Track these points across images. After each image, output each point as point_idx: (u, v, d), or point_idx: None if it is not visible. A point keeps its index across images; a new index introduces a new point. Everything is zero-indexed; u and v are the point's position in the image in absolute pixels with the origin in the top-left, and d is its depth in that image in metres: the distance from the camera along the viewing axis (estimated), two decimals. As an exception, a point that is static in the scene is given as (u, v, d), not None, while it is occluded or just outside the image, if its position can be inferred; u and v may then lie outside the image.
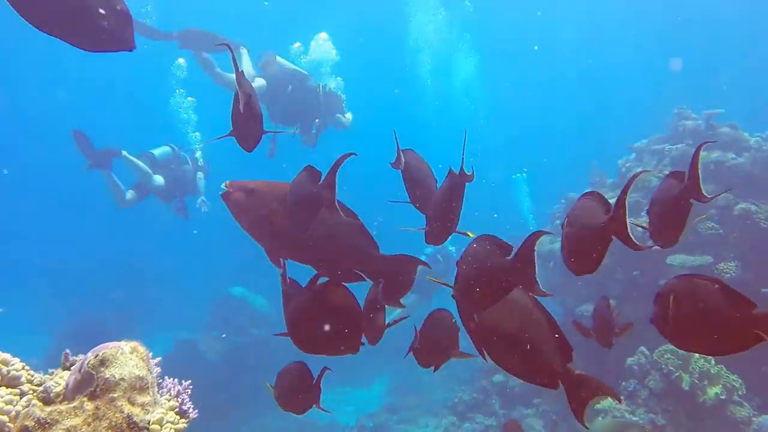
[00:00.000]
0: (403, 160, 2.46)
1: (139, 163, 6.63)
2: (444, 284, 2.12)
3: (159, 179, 6.78)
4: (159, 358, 1.99)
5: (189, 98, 8.74)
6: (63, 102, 19.59)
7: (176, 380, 2.13)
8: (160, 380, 2.10)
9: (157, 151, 6.87)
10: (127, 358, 1.74)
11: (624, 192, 1.92)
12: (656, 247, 2.27)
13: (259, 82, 6.70)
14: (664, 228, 2.26)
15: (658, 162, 7.22)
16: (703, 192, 2.15)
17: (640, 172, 2.19)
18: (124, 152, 6.55)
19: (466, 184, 2.31)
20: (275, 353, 10.25)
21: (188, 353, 9.92)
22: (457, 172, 2.28)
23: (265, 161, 6.84)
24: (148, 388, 1.73)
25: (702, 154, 2.14)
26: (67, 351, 2.08)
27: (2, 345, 1.81)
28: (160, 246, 16.12)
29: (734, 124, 7.05)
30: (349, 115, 7.24)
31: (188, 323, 11.07)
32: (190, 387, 2.12)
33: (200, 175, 7.17)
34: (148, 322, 11.25)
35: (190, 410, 2.05)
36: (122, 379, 1.69)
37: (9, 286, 15.21)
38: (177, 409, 2.01)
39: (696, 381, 5.42)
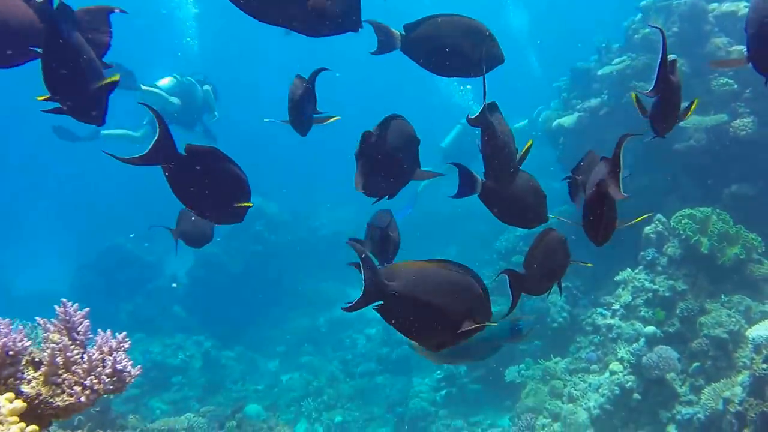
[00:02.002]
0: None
1: (153, 89, 6.45)
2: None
3: (175, 99, 6.61)
4: (87, 309, 1.80)
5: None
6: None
7: (109, 334, 1.91)
8: (90, 335, 1.89)
9: (163, 83, 6.66)
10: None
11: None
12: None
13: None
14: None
15: (666, 19, 6.73)
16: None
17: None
18: (143, 86, 6.39)
19: None
20: (293, 258, 10.23)
21: (210, 265, 9.90)
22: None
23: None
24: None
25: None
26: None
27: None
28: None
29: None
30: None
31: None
32: (127, 341, 1.90)
33: (207, 87, 6.89)
34: (166, 235, 11.17)
35: (129, 368, 1.85)
36: None
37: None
38: (110, 369, 1.81)
39: (715, 243, 5.20)
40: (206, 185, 2.04)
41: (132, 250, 10.41)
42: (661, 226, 5.61)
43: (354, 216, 11.92)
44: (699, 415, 4.61)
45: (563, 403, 5.40)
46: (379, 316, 6.08)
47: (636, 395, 4.97)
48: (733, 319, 4.90)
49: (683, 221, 5.36)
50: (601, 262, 6.35)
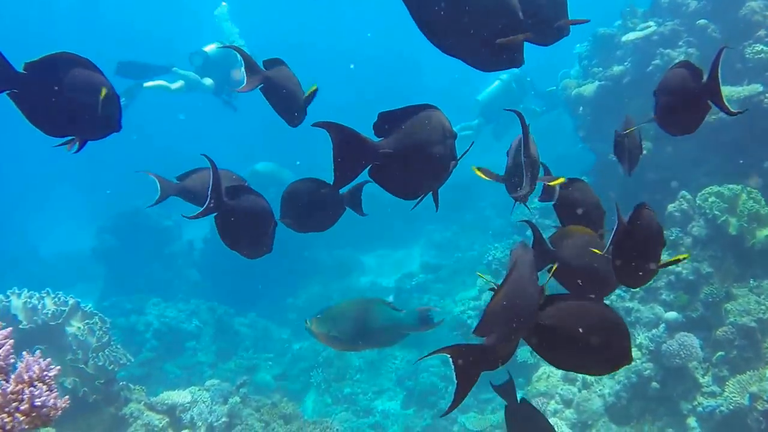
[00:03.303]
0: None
1: (188, 73, 6.61)
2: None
3: (208, 81, 6.71)
4: (10, 329, 1.46)
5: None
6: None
7: (34, 359, 1.57)
8: (13, 359, 1.55)
9: (209, 49, 6.73)
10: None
11: (716, 63, 1.95)
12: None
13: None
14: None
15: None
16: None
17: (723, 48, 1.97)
18: (175, 68, 6.57)
19: None
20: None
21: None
22: None
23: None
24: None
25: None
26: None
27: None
28: (179, 126, 15.58)
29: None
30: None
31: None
32: (53, 369, 1.56)
33: (243, 69, 6.60)
34: (180, 203, 10.90)
35: (52, 402, 1.51)
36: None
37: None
38: (26, 405, 1.47)
39: (744, 224, 4.74)
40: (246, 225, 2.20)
41: (150, 215, 10.14)
42: (685, 204, 5.15)
43: (370, 187, 11.57)
44: (722, 409, 4.20)
45: (577, 388, 5.04)
46: (392, 285, 5.74)
47: (654, 384, 4.57)
48: (763, 307, 4.44)
49: (710, 199, 4.90)
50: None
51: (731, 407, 4.13)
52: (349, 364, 7.74)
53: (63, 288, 11.43)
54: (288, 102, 2.32)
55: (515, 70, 8.61)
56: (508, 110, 2.00)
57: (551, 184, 2.11)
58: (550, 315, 1.65)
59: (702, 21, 5.74)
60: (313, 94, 2.38)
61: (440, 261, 9.49)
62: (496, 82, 8.69)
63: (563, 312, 1.67)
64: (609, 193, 5.93)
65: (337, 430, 5.02)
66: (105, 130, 1.90)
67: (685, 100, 2.02)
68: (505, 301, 1.49)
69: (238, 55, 6.63)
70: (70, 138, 1.85)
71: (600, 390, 4.88)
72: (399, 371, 7.56)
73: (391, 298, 8.82)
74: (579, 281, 2.02)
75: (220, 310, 8.74)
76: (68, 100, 1.75)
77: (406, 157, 1.81)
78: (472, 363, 1.52)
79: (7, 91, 1.68)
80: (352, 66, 13.69)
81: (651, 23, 6.16)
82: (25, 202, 15.76)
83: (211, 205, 2.05)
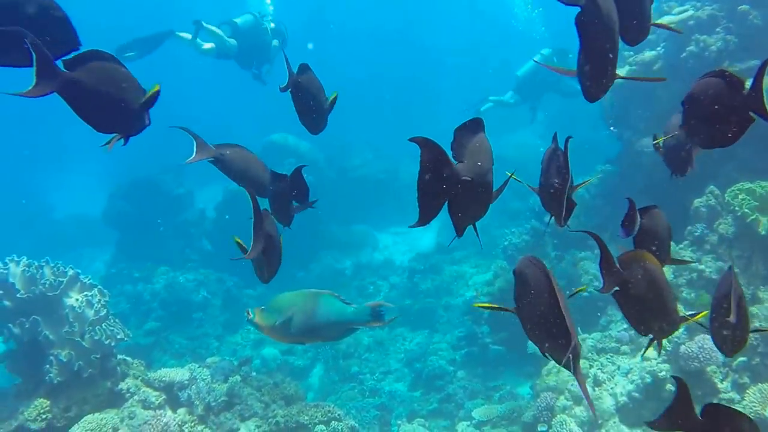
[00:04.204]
0: None
1: (215, 29, 6.54)
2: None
3: (232, 41, 6.65)
4: None
5: None
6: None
7: None
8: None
9: (239, 19, 6.68)
10: None
11: (761, 72, 1.75)
12: None
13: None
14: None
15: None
16: None
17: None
18: (203, 23, 6.50)
19: None
20: (322, 199, 9.69)
21: (238, 201, 9.43)
22: None
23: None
24: None
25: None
26: None
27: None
28: (196, 94, 15.39)
29: None
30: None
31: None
32: None
33: (275, 42, 6.82)
34: (197, 173, 10.76)
35: None
36: None
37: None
38: None
39: (775, 224, 4.48)
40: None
41: (162, 182, 10.01)
42: (713, 200, 4.88)
43: (387, 163, 11.34)
44: (740, 417, 4.00)
45: (588, 385, 4.82)
46: (406, 264, 5.54)
47: (669, 386, 4.35)
48: (790, 313, 4.23)
49: (740, 196, 4.64)
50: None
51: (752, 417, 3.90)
52: (358, 342, 7.62)
53: (73, 251, 11.48)
54: (313, 110, 2.39)
55: (558, 44, 8.45)
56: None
57: (580, 185, 2.12)
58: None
59: (744, 6, 5.39)
60: (334, 101, 2.45)
61: (456, 242, 9.27)
62: (536, 56, 8.42)
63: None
64: (635, 184, 5.68)
65: (338, 414, 4.86)
66: (141, 125, 1.95)
67: (722, 111, 1.86)
68: None
69: (267, 27, 6.57)
70: (111, 136, 1.91)
71: (612, 388, 4.67)
72: (408, 352, 7.41)
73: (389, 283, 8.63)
74: (641, 311, 1.91)
75: (229, 281, 8.63)
76: (109, 97, 1.80)
77: (478, 185, 1.73)
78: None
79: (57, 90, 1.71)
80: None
81: (688, 7, 5.82)
82: (44, 164, 15.72)
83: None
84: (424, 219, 1.72)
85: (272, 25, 6.89)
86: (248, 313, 2.74)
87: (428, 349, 7.24)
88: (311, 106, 2.39)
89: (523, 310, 1.66)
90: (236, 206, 9.40)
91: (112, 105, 1.82)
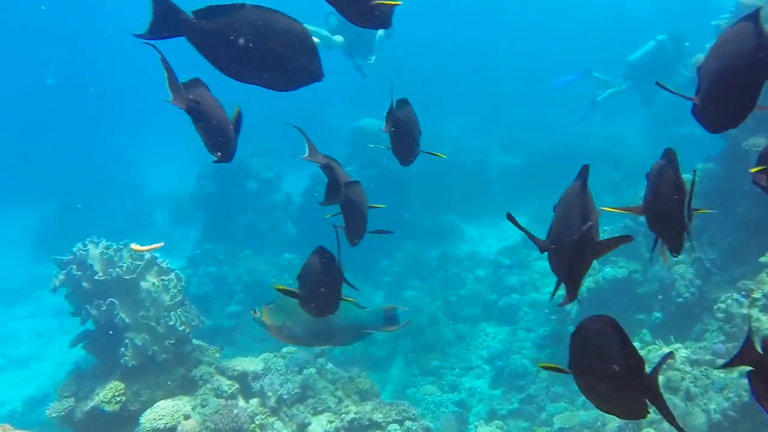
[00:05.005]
0: None
1: (319, 30, 6.72)
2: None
3: (338, 38, 6.81)
4: None
5: None
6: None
7: None
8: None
9: None
10: None
11: None
12: None
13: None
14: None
15: None
16: None
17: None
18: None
19: None
20: (409, 186, 9.48)
21: (324, 186, 9.30)
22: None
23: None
24: None
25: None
26: None
27: None
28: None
29: None
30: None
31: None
32: None
33: (380, 32, 6.79)
34: (286, 158, 10.74)
35: None
36: None
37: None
38: None
39: None
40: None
41: (250, 165, 10.02)
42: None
43: (475, 152, 10.94)
44: None
45: (679, 399, 4.38)
46: (492, 257, 5.24)
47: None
48: None
49: None
50: (745, 233, 5.16)
51: None
52: (439, 335, 7.41)
53: (162, 230, 11.72)
54: (407, 145, 2.43)
55: (674, 30, 7.97)
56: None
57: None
58: None
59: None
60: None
61: (542, 237, 8.85)
62: (650, 42, 8.12)
63: None
64: (740, 186, 5.15)
65: (413, 414, 4.64)
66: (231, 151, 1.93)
67: (739, 68, 1.51)
68: None
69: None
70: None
71: (705, 404, 4.24)
72: (490, 349, 7.14)
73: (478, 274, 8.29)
74: None
75: (312, 268, 8.51)
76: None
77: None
78: None
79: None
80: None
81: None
82: (137, 145, 16.23)
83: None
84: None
85: None
86: (254, 312, 2.56)
87: (511, 347, 6.95)
88: (406, 141, 2.43)
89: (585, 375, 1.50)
90: (322, 192, 9.30)
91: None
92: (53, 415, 4.33)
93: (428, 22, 15.76)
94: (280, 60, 1.74)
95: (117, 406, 4.17)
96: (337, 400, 4.70)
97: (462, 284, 8.43)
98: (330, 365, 5.12)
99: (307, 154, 2.30)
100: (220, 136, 1.88)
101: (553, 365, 1.61)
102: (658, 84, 1.81)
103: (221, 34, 1.66)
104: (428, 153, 2.51)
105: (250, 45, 1.68)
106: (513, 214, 1.73)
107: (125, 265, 4.29)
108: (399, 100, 2.39)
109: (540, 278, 7.89)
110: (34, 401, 7.64)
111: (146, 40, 1.65)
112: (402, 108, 2.39)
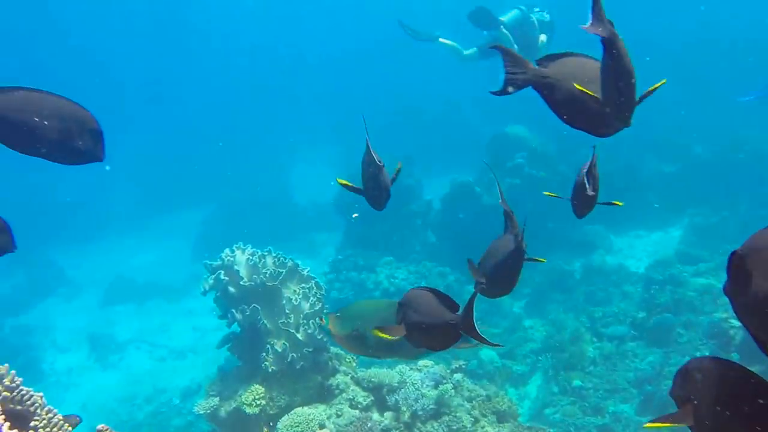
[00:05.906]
0: None
1: (449, 43, 6.79)
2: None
3: (470, 51, 6.80)
4: None
5: None
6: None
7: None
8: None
9: (505, 17, 6.59)
10: None
11: None
12: None
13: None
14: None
15: None
16: None
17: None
18: (440, 39, 6.81)
19: None
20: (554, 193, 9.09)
21: (464, 195, 9.18)
22: None
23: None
24: None
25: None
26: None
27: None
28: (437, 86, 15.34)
29: None
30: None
31: (465, 165, 10.27)
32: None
33: (542, 37, 6.60)
34: (423, 158, 10.70)
35: None
36: None
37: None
38: None
39: None
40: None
41: (392, 172, 10.09)
42: None
43: (624, 159, 10.31)
44: None
45: None
46: (642, 271, 4.98)
47: None
48: None
49: None
50: None
51: None
52: (582, 354, 7.06)
53: (308, 235, 12.05)
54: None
55: None
56: None
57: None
58: None
59: None
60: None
61: (701, 252, 8.20)
62: None
63: None
64: None
65: (554, 440, 4.37)
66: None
67: None
68: None
69: (535, 21, 6.41)
70: None
71: None
72: (638, 371, 6.68)
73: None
74: None
75: (451, 276, 8.46)
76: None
77: None
78: None
79: None
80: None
81: None
82: (291, 150, 16.90)
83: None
84: None
85: (546, 16, 6.64)
86: (321, 320, 2.48)
87: (663, 371, 6.43)
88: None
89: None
90: (463, 199, 9.17)
91: None
92: (201, 412, 4.52)
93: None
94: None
95: (257, 409, 4.26)
96: (473, 419, 4.54)
97: (608, 299, 7.98)
98: (467, 381, 4.96)
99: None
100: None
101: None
102: None
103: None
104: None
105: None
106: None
107: (268, 272, 4.38)
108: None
109: (698, 297, 7.25)
110: (189, 391, 8.14)
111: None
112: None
